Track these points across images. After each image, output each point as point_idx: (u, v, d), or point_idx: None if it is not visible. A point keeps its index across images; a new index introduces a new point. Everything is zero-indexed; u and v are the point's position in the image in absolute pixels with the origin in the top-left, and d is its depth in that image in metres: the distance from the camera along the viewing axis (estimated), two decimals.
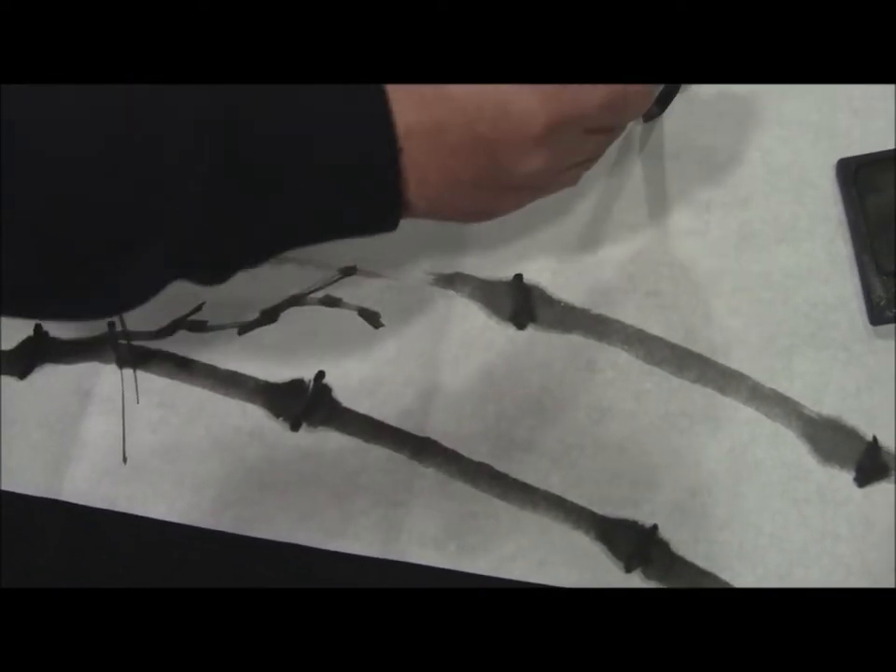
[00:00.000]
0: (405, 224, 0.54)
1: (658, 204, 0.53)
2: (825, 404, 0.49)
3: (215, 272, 0.42)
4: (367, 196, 0.38)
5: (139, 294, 0.40)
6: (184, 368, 0.56)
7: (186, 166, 0.35)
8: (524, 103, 0.37)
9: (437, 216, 0.42)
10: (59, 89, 0.36)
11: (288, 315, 0.55)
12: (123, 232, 0.36)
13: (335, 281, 0.55)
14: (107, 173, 0.35)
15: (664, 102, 0.52)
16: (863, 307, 0.50)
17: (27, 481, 0.55)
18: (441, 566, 0.50)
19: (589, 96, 0.39)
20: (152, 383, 0.56)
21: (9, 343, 0.57)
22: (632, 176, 0.53)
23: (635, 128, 0.54)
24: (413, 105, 0.37)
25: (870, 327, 0.50)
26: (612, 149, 0.51)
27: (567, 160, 0.41)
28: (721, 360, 0.50)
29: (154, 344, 0.57)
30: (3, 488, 0.55)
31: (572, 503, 0.50)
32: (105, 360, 0.57)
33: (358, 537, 0.51)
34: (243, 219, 0.37)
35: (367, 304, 0.55)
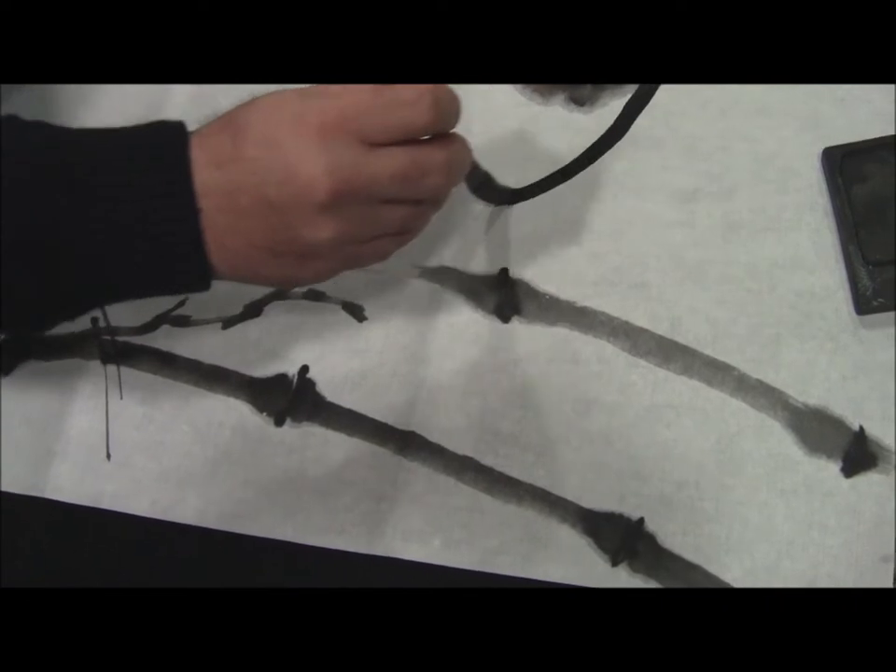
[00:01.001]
0: None
1: (643, 195, 0.52)
2: (811, 394, 0.49)
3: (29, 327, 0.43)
4: (172, 262, 0.38)
5: None
6: (168, 363, 0.55)
7: None
8: (308, 168, 0.36)
9: (242, 280, 0.41)
10: None
11: (272, 310, 0.55)
12: None
13: None
14: None
15: (481, 191, 0.51)
16: (849, 297, 0.50)
17: (11, 478, 0.55)
18: (426, 560, 0.50)
19: (379, 166, 0.37)
20: (136, 378, 0.56)
21: None
22: (616, 167, 0.53)
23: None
24: (209, 164, 0.37)
25: (856, 316, 0.49)
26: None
27: (361, 230, 0.39)
28: (707, 352, 0.50)
29: (138, 340, 0.56)
30: None
31: (558, 496, 0.50)
32: (88, 356, 0.56)
33: (343, 532, 0.51)
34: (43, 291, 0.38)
35: (351, 298, 0.54)
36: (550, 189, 0.51)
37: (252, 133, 0.37)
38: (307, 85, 0.39)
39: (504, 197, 0.53)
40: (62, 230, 0.37)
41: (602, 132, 0.53)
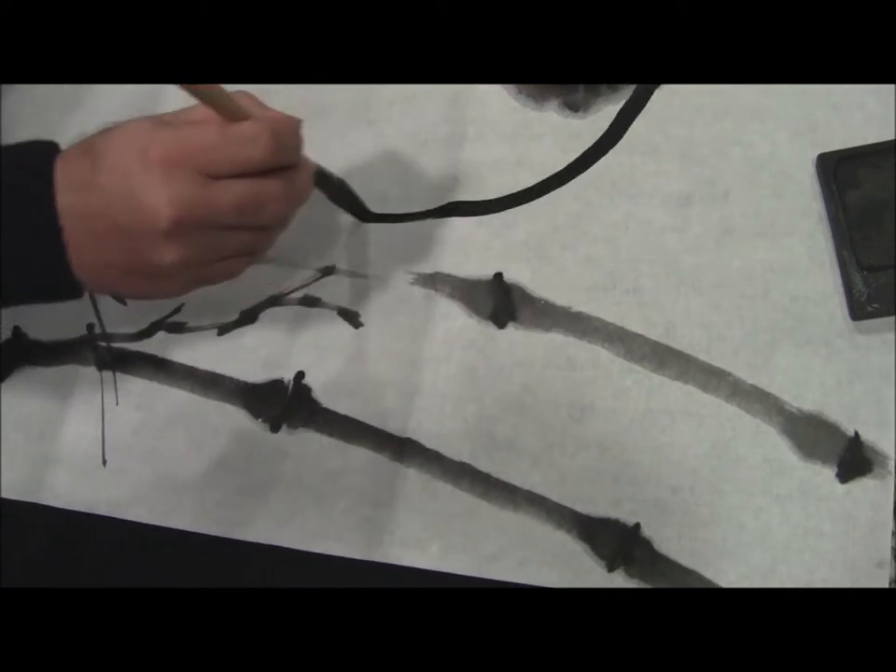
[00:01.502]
0: (384, 225, 0.54)
1: (637, 200, 0.52)
2: (806, 400, 0.49)
3: None
4: (41, 275, 0.41)
5: None
6: (163, 369, 0.55)
7: None
8: (152, 199, 0.39)
9: (104, 293, 0.46)
10: None
11: (268, 316, 0.55)
12: None
13: (314, 281, 0.55)
14: None
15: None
16: (844, 302, 0.50)
17: (7, 484, 0.55)
18: (424, 566, 0.50)
19: (219, 197, 0.40)
20: (132, 385, 0.56)
21: None
22: (609, 173, 0.53)
23: None
24: (69, 187, 0.40)
25: (850, 322, 0.49)
26: None
27: (206, 255, 0.42)
28: (702, 357, 0.50)
29: (133, 346, 0.56)
30: None
31: (554, 502, 0.50)
32: (84, 363, 0.56)
33: (340, 538, 0.51)
34: None
35: (346, 304, 0.54)
36: (413, 220, 0.53)
37: (106, 161, 0.39)
38: (164, 113, 0.42)
39: (357, 212, 0.54)
40: None
41: (596, 137, 0.53)
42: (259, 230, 0.43)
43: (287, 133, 0.42)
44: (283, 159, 0.41)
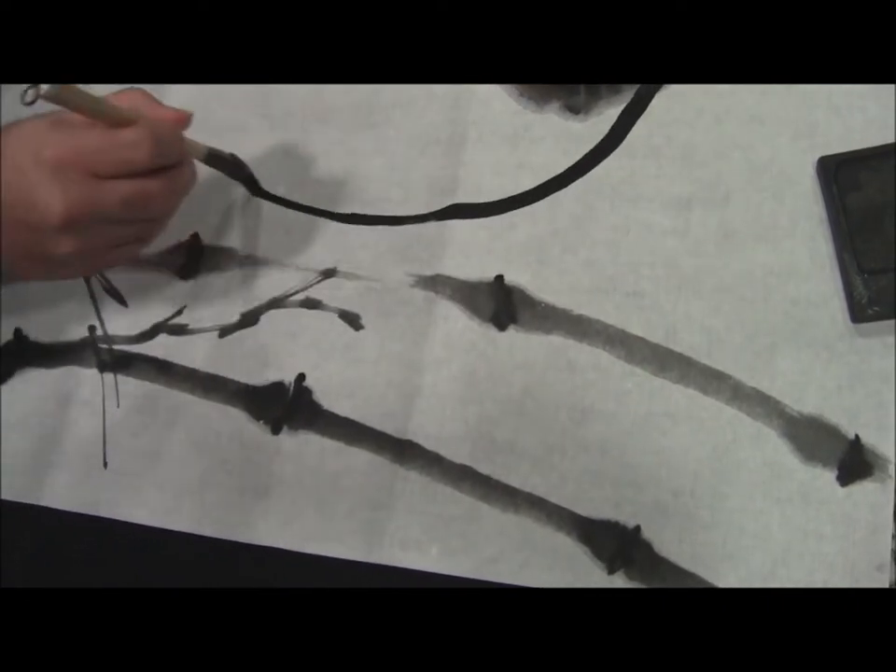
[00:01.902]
0: (385, 227, 0.54)
1: (638, 203, 0.52)
2: (807, 403, 0.49)
3: None
4: None
5: None
6: (164, 371, 0.56)
7: None
8: (45, 196, 0.42)
9: (21, 279, 0.52)
10: None
11: (269, 318, 0.55)
12: None
13: (315, 283, 0.55)
14: None
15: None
16: (845, 305, 0.50)
17: (8, 485, 0.55)
18: (424, 568, 0.50)
19: (108, 195, 0.44)
20: (133, 387, 0.56)
21: None
22: (610, 176, 0.53)
23: None
24: None
25: (851, 325, 0.49)
26: None
27: (99, 245, 0.46)
28: (703, 360, 0.50)
29: (135, 348, 0.56)
30: None
31: (554, 504, 0.50)
32: (85, 365, 0.57)
33: (341, 540, 0.51)
34: None
35: (347, 306, 0.54)
36: (408, 223, 0.54)
37: (6, 158, 0.43)
38: (60, 114, 0.44)
39: (251, 186, 0.57)
40: None
41: (597, 140, 0.53)
42: (147, 221, 0.48)
43: (169, 136, 0.46)
44: (164, 160, 0.46)
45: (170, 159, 0.46)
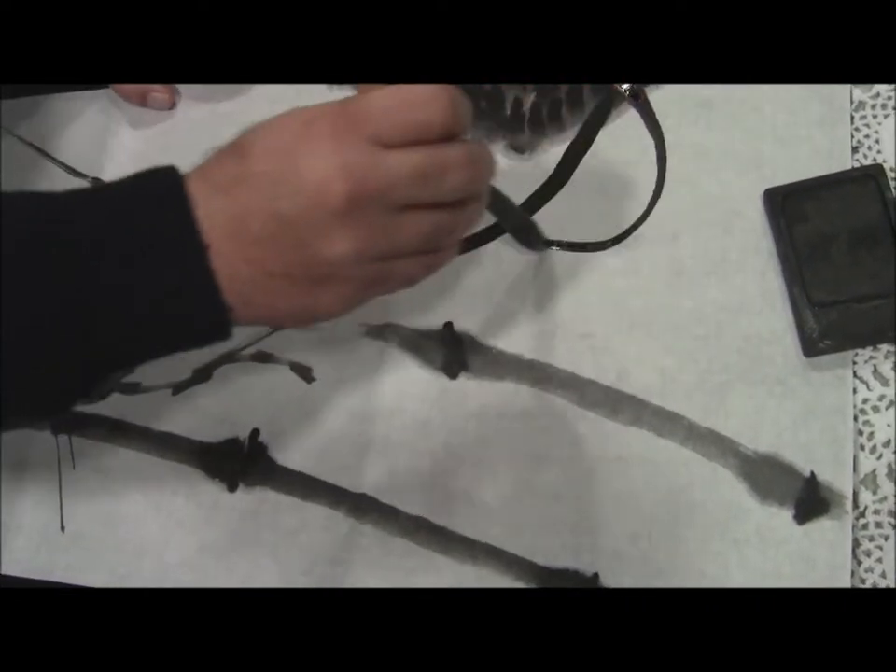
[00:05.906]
0: None
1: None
2: (762, 441, 0.48)
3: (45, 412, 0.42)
4: (187, 311, 0.36)
5: None
6: (119, 431, 0.55)
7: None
8: (320, 172, 0.34)
9: (260, 319, 0.38)
10: None
11: (222, 373, 0.55)
12: None
13: (266, 336, 0.54)
14: None
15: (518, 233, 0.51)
16: (797, 339, 0.49)
17: None
18: None
19: (396, 165, 0.34)
20: (88, 447, 0.55)
21: None
22: (556, 216, 0.52)
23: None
24: (212, 192, 0.35)
25: (804, 359, 0.49)
26: None
27: (382, 242, 0.36)
28: (656, 401, 0.50)
29: (88, 409, 0.56)
30: None
31: (512, 554, 0.49)
32: (38, 427, 0.56)
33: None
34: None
35: (299, 358, 0.54)
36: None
37: (259, 147, 0.35)
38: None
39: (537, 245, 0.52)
40: (70, 306, 0.35)
41: (542, 179, 0.53)
42: (440, 211, 0.37)
43: (461, 97, 0.36)
44: (458, 127, 0.36)
45: (463, 127, 0.36)
